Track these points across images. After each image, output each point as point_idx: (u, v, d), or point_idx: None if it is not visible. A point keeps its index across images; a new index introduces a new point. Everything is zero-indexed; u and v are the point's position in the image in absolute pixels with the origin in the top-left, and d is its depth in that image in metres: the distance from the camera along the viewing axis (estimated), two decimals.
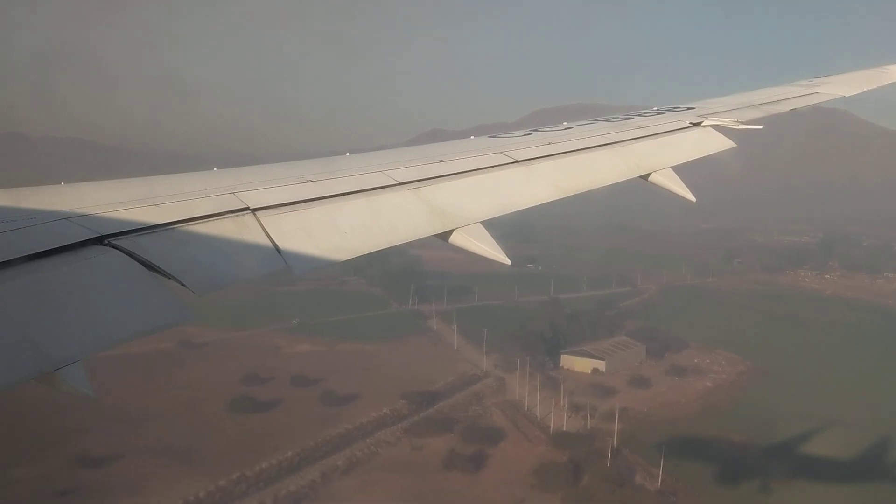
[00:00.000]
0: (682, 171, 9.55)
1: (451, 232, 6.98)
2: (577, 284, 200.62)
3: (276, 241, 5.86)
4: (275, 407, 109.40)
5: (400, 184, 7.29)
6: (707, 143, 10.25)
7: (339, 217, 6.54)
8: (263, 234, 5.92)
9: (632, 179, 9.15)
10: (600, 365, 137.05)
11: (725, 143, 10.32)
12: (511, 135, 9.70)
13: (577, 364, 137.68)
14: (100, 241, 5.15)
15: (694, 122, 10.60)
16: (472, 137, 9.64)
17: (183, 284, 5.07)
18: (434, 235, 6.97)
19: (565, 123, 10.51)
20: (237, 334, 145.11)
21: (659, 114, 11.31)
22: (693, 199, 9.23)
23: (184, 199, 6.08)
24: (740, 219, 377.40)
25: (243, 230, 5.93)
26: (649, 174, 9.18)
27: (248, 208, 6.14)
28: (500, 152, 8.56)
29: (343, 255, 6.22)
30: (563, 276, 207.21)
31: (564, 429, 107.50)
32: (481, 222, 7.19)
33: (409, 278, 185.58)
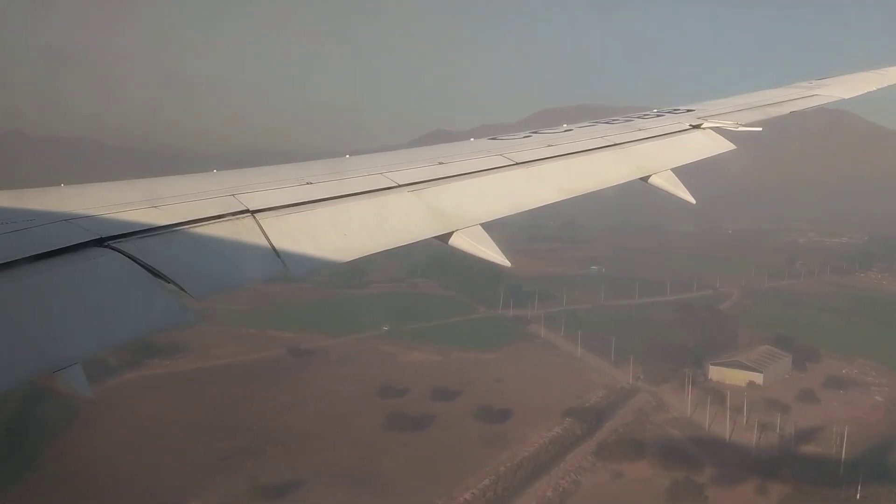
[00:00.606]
0: (687, 171, 9.29)
1: (451, 234, 6.82)
2: (653, 288, 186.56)
3: (274, 244, 5.72)
4: (430, 423, 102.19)
5: (400, 186, 7.15)
6: (707, 145, 10.03)
7: (339, 219, 6.39)
8: (263, 236, 5.79)
9: (632, 181, 8.93)
10: (757, 378, 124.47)
11: (725, 145, 10.07)
12: (511, 137, 9.55)
13: (729, 376, 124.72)
14: (100, 242, 5.05)
15: (694, 124, 10.38)
16: (473, 139, 9.48)
17: (182, 289, 4.95)
18: (434, 237, 6.80)
19: (565, 125, 10.33)
20: (335, 341, 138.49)
21: (659, 116, 11.10)
22: (693, 200, 8.94)
23: (184, 201, 5.97)
24: (761, 219, 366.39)
25: (243, 233, 5.79)
26: (649, 176, 8.98)
27: (247, 210, 6.02)
28: (501, 154, 8.40)
29: (343, 256, 6.07)
30: (627, 278, 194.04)
31: (769, 452, 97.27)
32: (481, 224, 7.02)
33: (490, 282, 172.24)
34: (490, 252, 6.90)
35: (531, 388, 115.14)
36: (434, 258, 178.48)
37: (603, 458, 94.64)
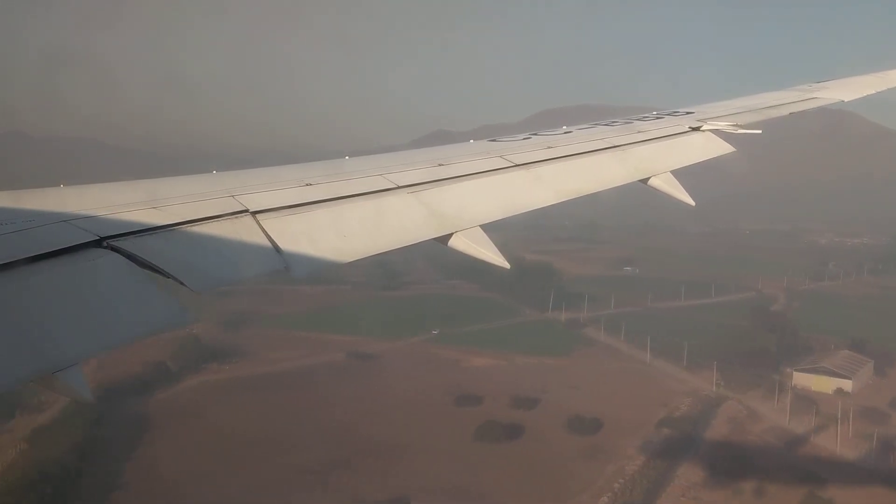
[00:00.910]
0: (688, 172, 9.03)
1: (450, 235, 6.63)
2: (694, 289, 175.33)
3: (275, 244, 5.55)
4: (521, 434, 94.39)
5: (399, 187, 6.93)
6: (706, 147, 9.72)
7: (338, 220, 6.20)
8: (263, 236, 5.61)
9: (632, 183, 8.67)
10: (846, 384, 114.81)
11: (725, 148, 9.75)
12: (511, 138, 9.30)
13: (815, 383, 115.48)
14: (99, 243, 4.88)
15: (693, 126, 10.05)
16: (472, 141, 9.24)
17: (182, 283, 4.78)
18: (434, 239, 6.61)
19: (564, 127, 10.05)
20: (391, 345, 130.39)
21: (658, 118, 10.79)
22: (692, 203, 8.67)
23: (183, 202, 5.80)
24: (773, 220, 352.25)
25: (243, 233, 5.62)
26: (649, 178, 8.70)
27: (247, 211, 5.83)
28: (500, 156, 8.15)
29: (343, 257, 5.90)
30: (664, 280, 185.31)
31: (890, 463, 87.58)
32: (481, 226, 6.82)
33: (532, 283, 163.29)
34: (489, 254, 6.70)
35: (612, 396, 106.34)
36: (468, 259, 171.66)
37: (716, 472, 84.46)
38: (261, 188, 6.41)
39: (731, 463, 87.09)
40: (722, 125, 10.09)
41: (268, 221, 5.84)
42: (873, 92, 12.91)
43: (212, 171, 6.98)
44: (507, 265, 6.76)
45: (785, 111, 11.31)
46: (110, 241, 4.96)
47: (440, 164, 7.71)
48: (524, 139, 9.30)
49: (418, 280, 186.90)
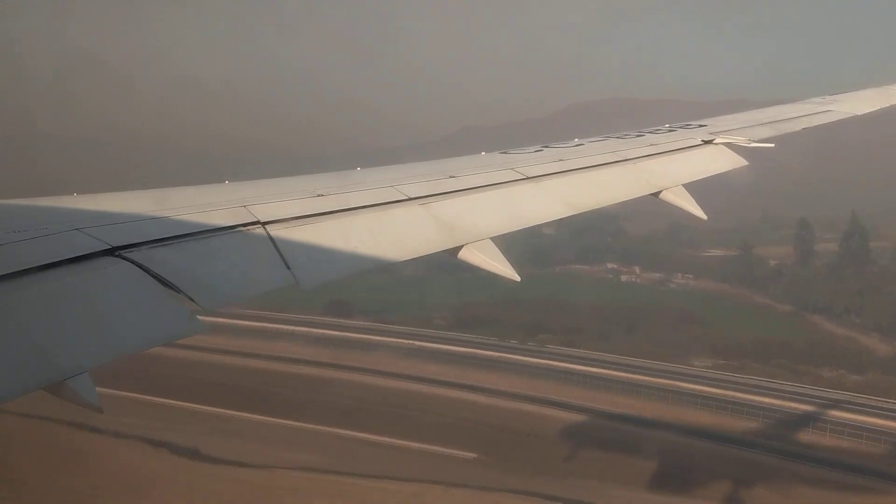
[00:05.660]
0: (696, 186, 9.17)
1: (460, 248, 6.73)
2: None
3: (284, 256, 5.64)
4: None
5: (410, 199, 7.03)
6: (719, 160, 9.88)
7: (349, 231, 6.30)
8: (273, 247, 5.71)
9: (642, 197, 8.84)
10: None
11: (737, 161, 9.89)
12: (522, 150, 9.46)
13: None
14: (111, 252, 4.97)
15: (705, 139, 10.22)
16: (483, 153, 9.36)
17: (192, 299, 4.87)
18: (444, 251, 6.71)
19: (576, 140, 10.22)
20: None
21: (670, 131, 10.97)
22: (704, 216, 8.80)
23: (196, 212, 5.92)
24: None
25: (254, 244, 5.74)
26: (660, 192, 8.86)
27: (258, 222, 5.94)
28: (511, 168, 8.29)
29: (352, 269, 6.04)
30: None
31: None
32: (491, 238, 6.92)
33: None
34: (500, 266, 6.79)
35: None
36: None
37: None
38: (272, 199, 6.53)
39: None
40: (734, 138, 10.24)
41: (279, 232, 5.94)
42: (887, 105, 13.11)
43: (224, 182, 7.11)
44: (517, 278, 6.84)
45: (798, 125, 11.49)
46: (122, 250, 5.05)
47: (451, 176, 7.85)
48: (535, 151, 9.46)
49: None
